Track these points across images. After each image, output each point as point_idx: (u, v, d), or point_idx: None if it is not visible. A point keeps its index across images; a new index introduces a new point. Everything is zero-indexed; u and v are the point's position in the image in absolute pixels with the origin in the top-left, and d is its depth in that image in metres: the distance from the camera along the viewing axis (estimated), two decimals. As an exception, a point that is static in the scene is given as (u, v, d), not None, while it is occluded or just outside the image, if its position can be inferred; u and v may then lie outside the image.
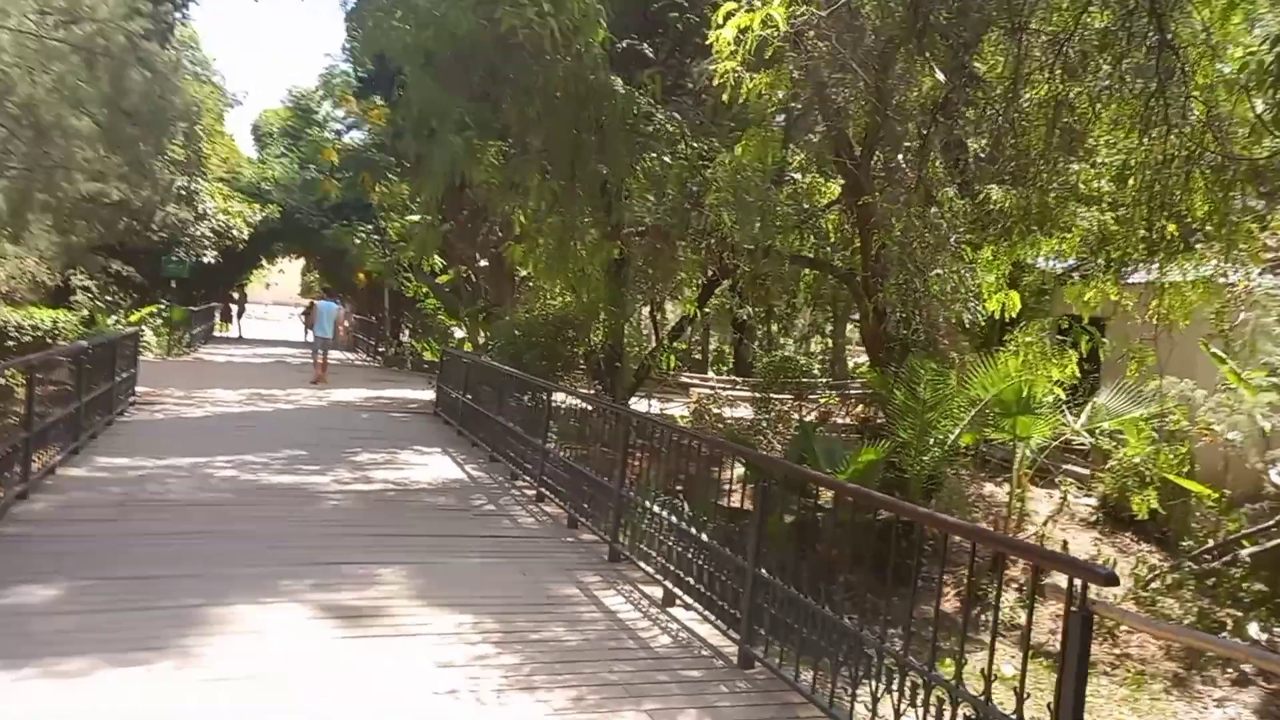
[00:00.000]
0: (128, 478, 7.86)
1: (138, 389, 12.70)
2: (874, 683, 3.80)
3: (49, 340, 12.53)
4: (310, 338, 20.64)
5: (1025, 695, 3.15)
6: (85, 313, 15.45)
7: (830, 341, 23.33)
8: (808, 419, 12.45)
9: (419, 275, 21.49)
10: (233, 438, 10.33)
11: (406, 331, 25.83)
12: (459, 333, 22.26)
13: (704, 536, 5.22)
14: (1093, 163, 8.77)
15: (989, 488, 11.47)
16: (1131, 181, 8.12)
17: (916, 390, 9.09)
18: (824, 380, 15.48)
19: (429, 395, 15.20)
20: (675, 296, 18.54)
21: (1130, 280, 9.15)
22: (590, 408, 7.76)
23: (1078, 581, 2.92)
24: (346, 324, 28.72)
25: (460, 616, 4.96)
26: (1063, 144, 8.75)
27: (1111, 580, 2.94)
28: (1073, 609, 2.85)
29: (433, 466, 9.56)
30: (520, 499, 8.26)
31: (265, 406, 13.66)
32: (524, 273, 20.18)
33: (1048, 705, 3.50)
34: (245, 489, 7.77)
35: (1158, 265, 7.96)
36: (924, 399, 9.08)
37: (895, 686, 3.65)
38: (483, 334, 19.02)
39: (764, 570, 4.56)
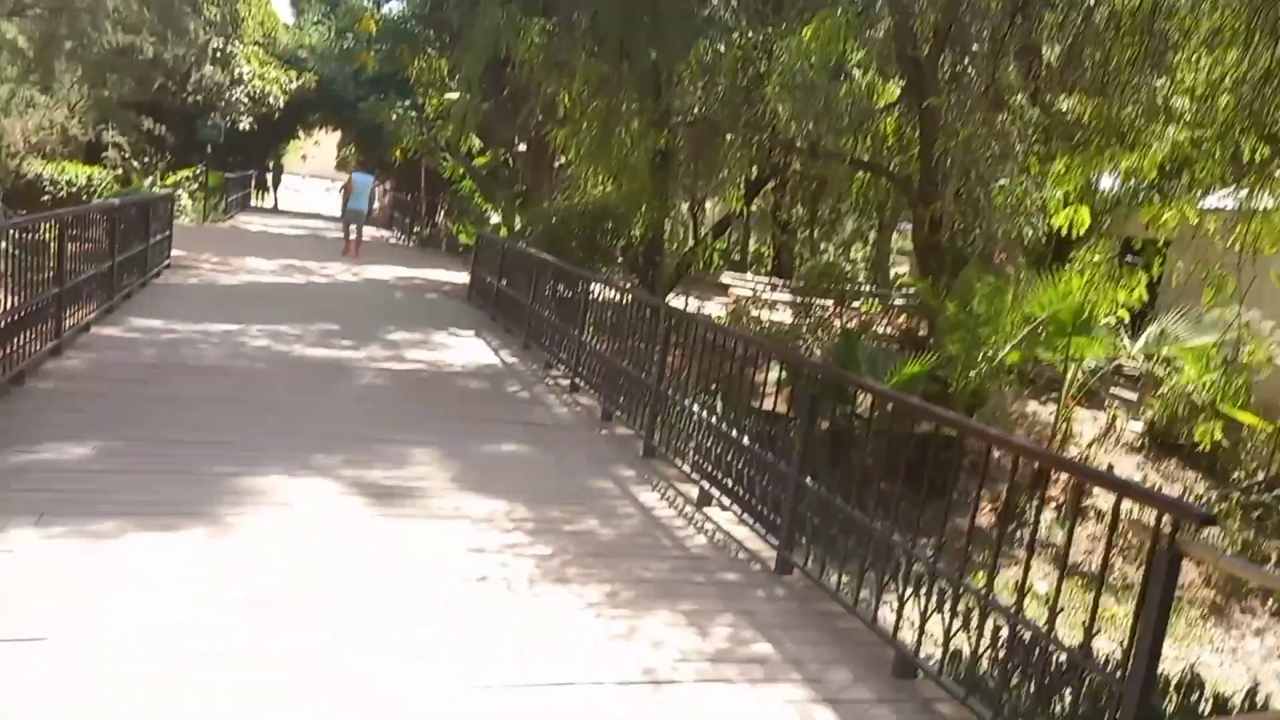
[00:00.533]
0: (161, 340, 7.79)
1: (173, 253, 12.61)
2: (903, 587, 3.68)
3: (84, 197, 12.36)
4: (341, 211, 20.65)
5: (1058, 609, 3.00)
6: (120, 171, 15.27)
7: (873, 249, 22.76)
8: (849, 327, 12.14)
9: (456, 155, 20.99)
10: (267, 307, 10.23)
11: (442, 212, 25.44)
12: (495, 217, 21.91)
13: (745, 440, 5.03)
14: (1178, 77, 8.15)
15: (1032, 406, 11.21)
16: (1225, 99, 7.54)
17: (969, 304, 8.74)
18: (868, 289, 15.06)
19: (463, 278, 15.00)
20: (719, 193, 18.00)
21: (1210, 203, 8.62)
22: (628, 301, 7.51)
23: (1166, 518, 2.69)
24: (383, 201, 28.41)
25: (493, 503, 4.85)
26: (1150, 55, 8.12)
27: (1209, 520, 2.71)
28: (1160, 547, 2.63)
29: (467, 350, 9.43)
30: (554, 388, 8.12)
31: (299, 279, 13.55)
32: (564, 160, 19.71)
33: (1082, 624, 3.35)
34: (278, 359, 7.68)
35: (1244, 189, 7.44)
36: (976, 313, 8.74)
37: (925, 593, 3.54)
38: (519, 220, 18.67)
39: (808, 478, 4.38)
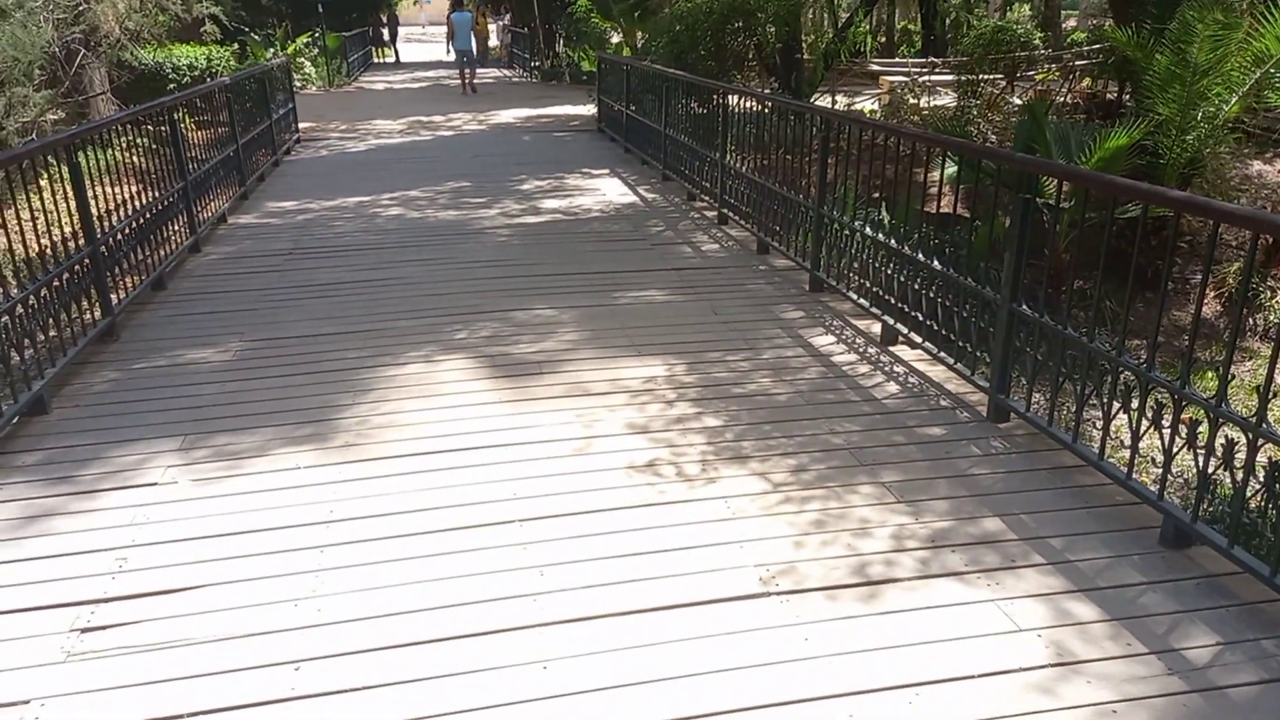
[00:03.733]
0: (295, 223, 7.58)
1: (301, 125, 12.42)
2: (1109, 402, 3.02)
3: (206, 79, 12.20)
4: (452, 54, 20.58)
5: None
6: (237, 47, 15.04)
7: (1040, 5, 19.90)
8: (1030, 101, 10.56)
9: (566, -27, 19.60)
10: (396, 172, 9.90)
11: (561, 41, 24.18)
12: (616, 37, 20.55)
13: (936, 263, 4.22)
14: None
15: (1256, 166, 9.54)
16: None
17: (1186, 52, 7.20)
18: (1044, 53, 13.09)
19: (591, 110, 14.17)
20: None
21: None
22: (770, 110, 6.58)
23: None
24: (502, 39, 27.33)
25: (648, 367, 4.35)
26: None
27: None
28: None
29: (602, 190, 8.79)
30: (700, 222, 7.42)
31: (426, 135, 13.13)
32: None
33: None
34: (412, 228, 7.33)
35: None
36: (1195, 63, 7.22)
37: (1137, 406, 2.89)
38: (641, 35, 17.34)
39: (1025, 305, 3.58)
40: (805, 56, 12.98)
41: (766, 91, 10.92)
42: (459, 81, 19.94)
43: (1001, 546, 2.88)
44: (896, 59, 19.69)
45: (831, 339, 4.73)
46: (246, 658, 2.43)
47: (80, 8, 7.81)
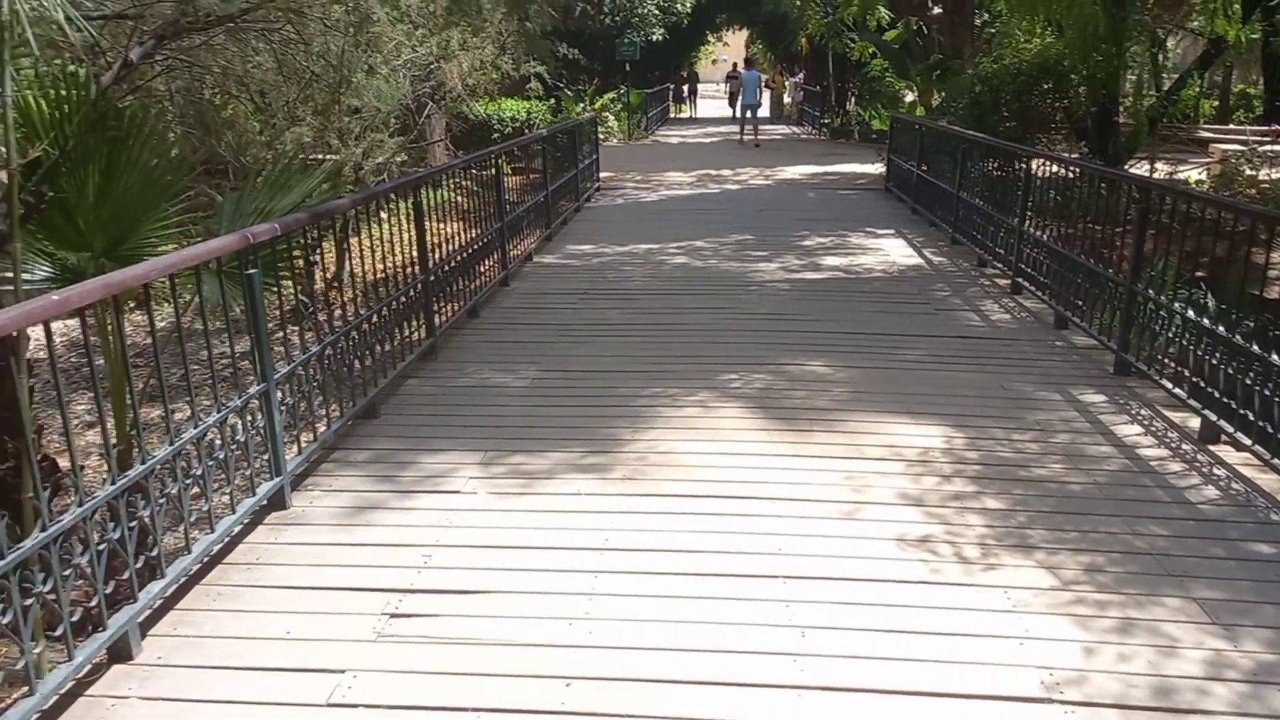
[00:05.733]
0: (591, 265, 8.13)
1: (601, 174, 13.34)
2: None
3: (524, 130, 13.47)
4: (736, 110, 21.86)
5: None
6: (553, 102, 16.51)
7: None
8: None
9: (864, 34, 19.62)
10: (684, 222, 10.34)
11: (852, 99, 24.18)
12: (910, 95, 20.23)
13: (1276, 356, 3.73)
14: None
15: None
16: None
17: None
18: None
19: (879, 169, 14.00)
20: (1188, 25, 14.56)
21: None
22: (1080, 176, 6.16)
23: None
24: (794, 96, 27.81)
25: (926, 437, 4.20)
26: None
27: None
28: None
29: (886, 250, 8.64)
30: (990, 290, 7.08)
31: (714, 188, 13.61)
32: (988, 15, 17.38)
33: None
34: (696, 277, 7.62)
35: None
36: None
37: None
38: (937, 95, 16.95)
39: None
40: (1122, 120, 12.03)
41: (1075, 156, 10.25)
42: (739, 135, 20.96)
43: (1347, 696, 2.47)
44: (1231, 125, 17.71)
45: (1138, 429, 4.31)
46: (524, 666, 2.62)
47: (431, 66, 8.95)
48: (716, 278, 7.59)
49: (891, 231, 9.59)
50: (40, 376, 6.81)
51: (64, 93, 3.73)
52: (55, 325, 3.70)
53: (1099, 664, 2.60)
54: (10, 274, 3.47)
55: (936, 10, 18.10)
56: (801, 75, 28.26)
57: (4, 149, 3.34)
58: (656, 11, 22.49)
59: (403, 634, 2.77)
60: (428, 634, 2.76)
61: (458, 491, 3.70)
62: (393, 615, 2.86)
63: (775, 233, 9.59)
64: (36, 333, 5.06)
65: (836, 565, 3.12)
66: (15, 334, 2.39)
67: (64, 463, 4.90)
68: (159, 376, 3.00)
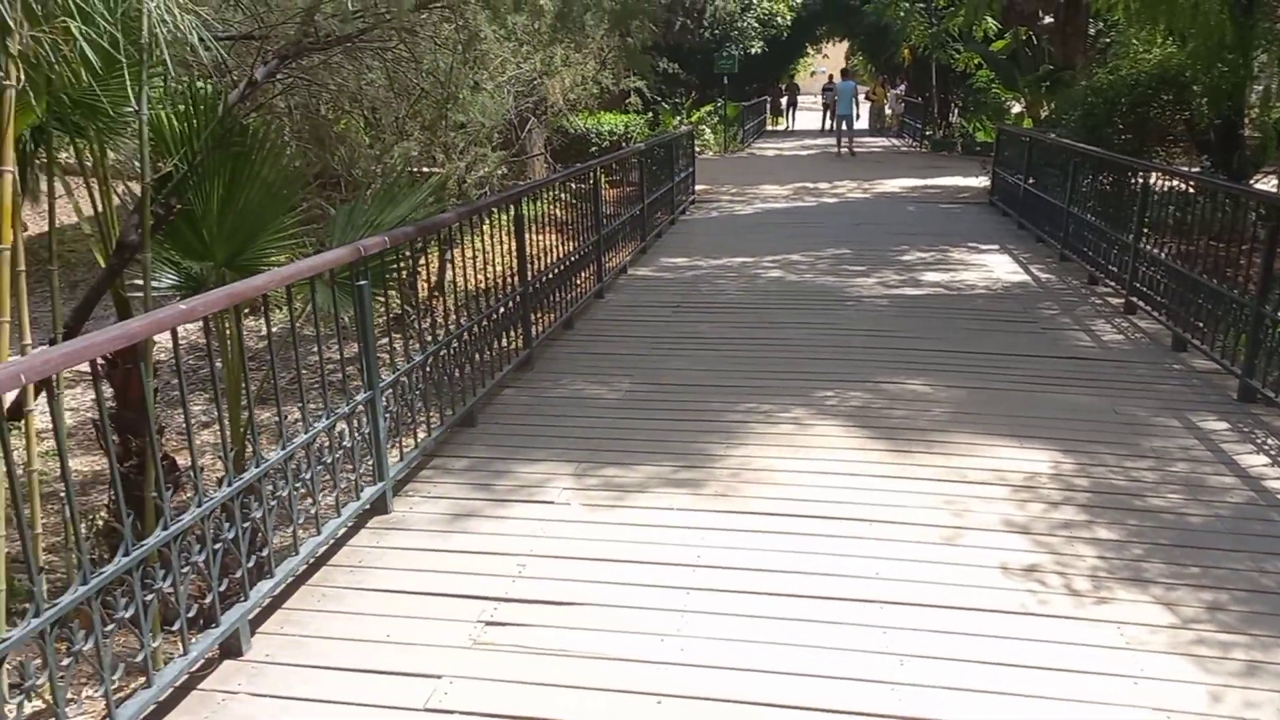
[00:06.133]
0: (685, 278, 8.14)
1: (697, 187, 13.36)
2: None
3: (623, 144, 13.60)
4: (829, 123, 22.10)
5: None
6: (650, 115, 16.63)
7: None
8: None
9: (969, 45, 19.12)
10: (779, 235, 10.26)
11: (955, 111, 23.61)
12: (1017, 107, 19.61)
13: None
14: None
15: None
16: None
17: None
18: None
19: (982, 182, 13.63)
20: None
21: None
22: (1200, 190, 5.85)
23: None
24: (894, 108, 27.36)
25: (1032, 462, 4.04)
26: None
27: None
28: None
29: (990, 266, 8.38)
30: (1102, 309, 6.78)
31: (810, 201, 13.46)
32: (1103, 24, 16.73)
33: None
34: (789, 291, 7.54)
35: None
36: None
37: None
38: (1046, 107, 16.38)
39: None
40: (1248, 133, 11.40)
41: (1196, 170, 9.76)
42: (837, 145, 20.87)
43: None
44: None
45: (1264, 460, 4.05)
46: (615, 681, 2.62)
47: (534, 82, 9.13)
48: (812, 292, 7.49)
49: (996, 247, 9.30)
50: (160, 378, 7.19)
51: (193, 110, 3.95)
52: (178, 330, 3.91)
53: (1222, 709, 2.45)
54: (141, 280, 3.68)
55: (1047, 20, 17.51)
56: (903, 87, 27.77)
57: (138, 163, 3.55)
58: (756, 25, 22.43)
59: (497, 642, 2.80)
60: (521, 644, 2.79)
61: (551, 502, 3.74)
62: (488, 623, 2.90)
63: (873, 247, 9.42)
64: (161, 336, 5.35)
65: (937, 592, 3.03)
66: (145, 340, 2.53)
67: (181, 460, 5.16)
68: (274, 381, 3.13)
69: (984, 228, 10.54)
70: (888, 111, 28.94)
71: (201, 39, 3.13)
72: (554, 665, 2.69)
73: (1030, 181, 10.12)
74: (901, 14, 20.79)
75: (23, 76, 2.62)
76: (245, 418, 3.65)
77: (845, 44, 35.33)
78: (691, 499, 3.75)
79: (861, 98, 30.83)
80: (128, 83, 3.09)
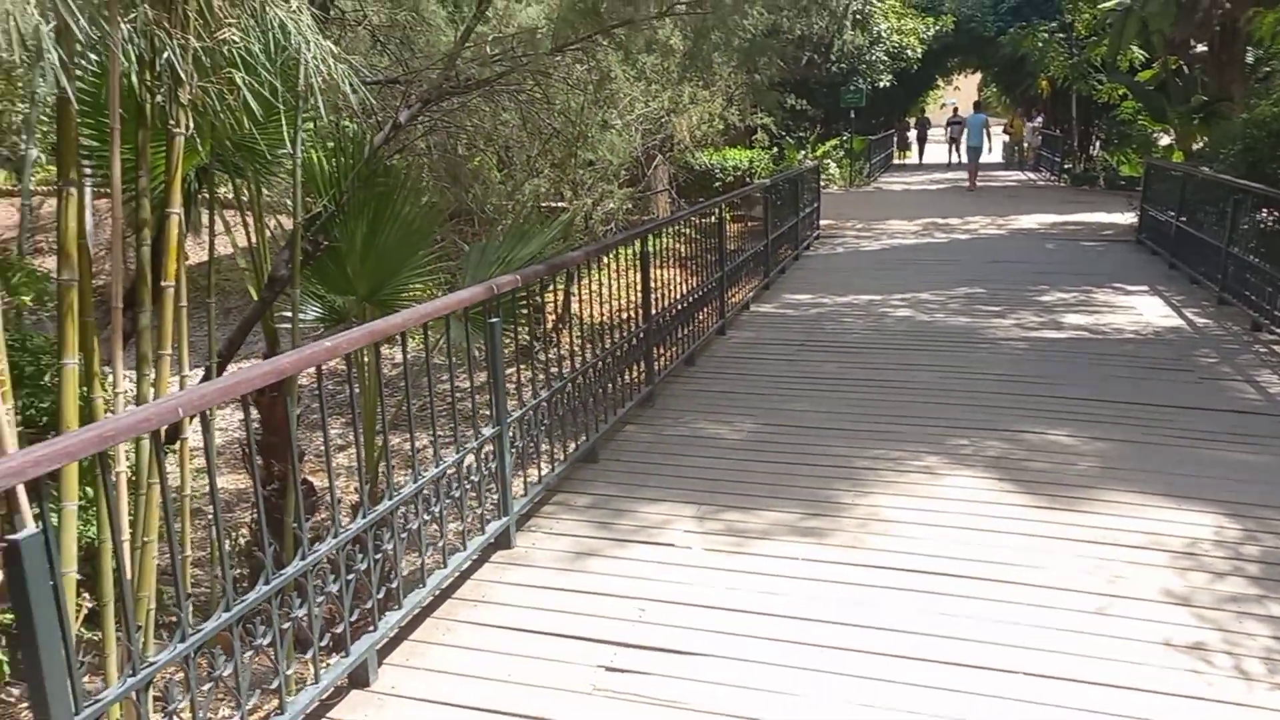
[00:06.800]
0: (808, 315, 8.00)
1: (821, 222, 13.17)
2: None
3: (747, 180, 13.58)
4: (955, 156, 21.78)
5: None
6: (775, 150, 16.55)
7: None
8: None
9: (1113, 75, 18.28)
10: (908, 272, 9.97)
11: (1097, 144, 22.55)
12: (1165, 140, 18.58)
13: None
14: None
15: None
16: None
17: None
18: None
19: (1128, 219, 12.92)
20: None
21: None
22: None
23: None
24: (1031, 141, 26.43)
25: (1193, 525, 3.73)
26: None
27: None
28: None
29: (1139, 310, 7.89)
30: (1268, 358, 6.26)
31: (940, 237, 13.06)
32: (1262, 52, 15.69)
33: None
34: (920, 331, 7.29)
35: None
36: None
37: None
38: (1200, 140, 15.44)
39: None
40: None
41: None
42: (970, 179, 20.37)
43: None
44: None
45: None
46: (737, 738, 2.53)
47: (662, 120, 9.23)
48: (944, 333, 7.22)
49: (1145, 288, 8.76)
50: (301, 401, 7.54)
51: (342, 151, 4.14)
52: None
53: None
54: (289, 312, 3.86)
55: (1200, 48, 16.55)
56: (1039, 119, 26.76)
57: (289, 200, 3.73)
58: (885, 58, 22.07)
59: (616, 689, 2.76)
60: (640, 693, 2.74)
61: (672, 545, 3.68)
62: (608, 669, 2.85)
63: (1009, 286, 9.03)
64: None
65: (1087, 666, 2.80)
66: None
67: (317, 480, 5.37)
68: (408, 414, 3.21)
69: (1131, 267, 9.96)
70: (1025, 144, 27.92)
71: (352, 85, 3.27)
72: (673, 718, 2.62)
73: (1183, 219, 9.52)
74: (1040, 45, 20.10)
75: (191, 124, 2.79)
76: (379, 444, 3.76)
77: (977, 76, 34.40)
78: (817, 548, 3.63)
79: (999, 130, 29.89)
80: (284, 127, 3.25)
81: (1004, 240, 12.62)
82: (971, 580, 3.35)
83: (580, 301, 6.38)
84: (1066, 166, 22.27)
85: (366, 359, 4.40)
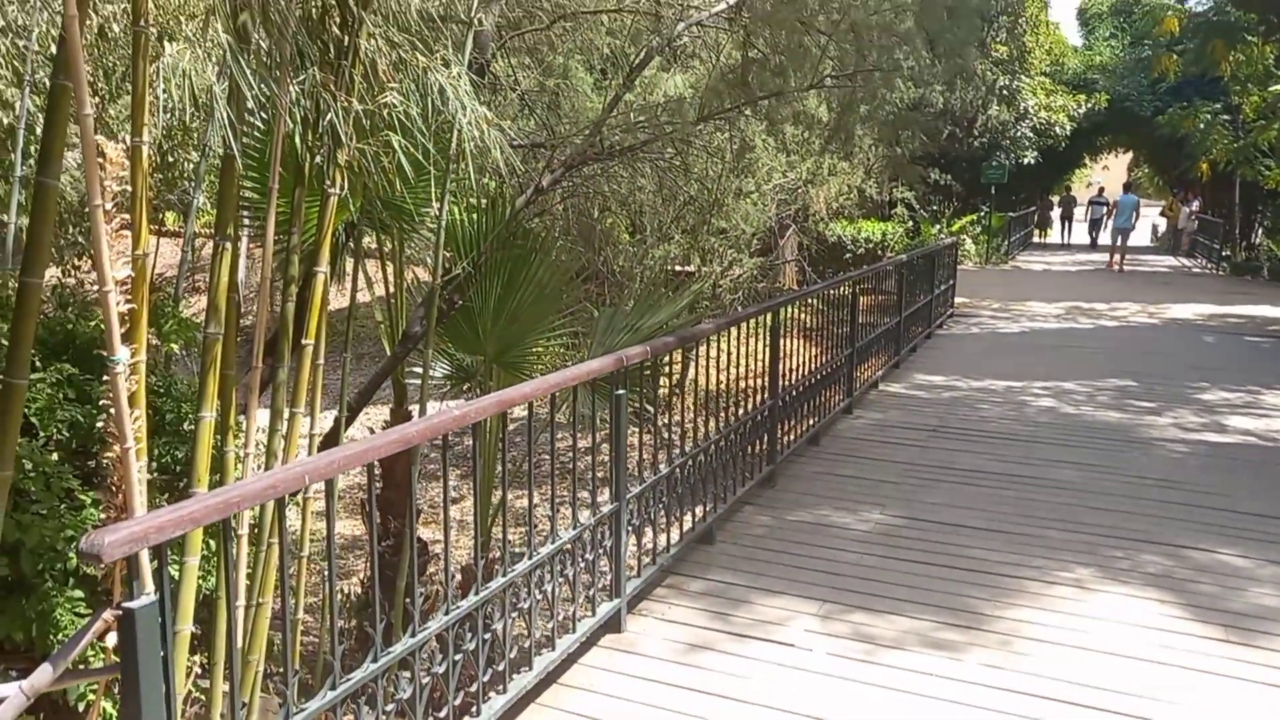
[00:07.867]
0: (941, 399, 7.61)
1: (956, 300, 12.69)
2: None
3: (879, 253, 13.28)
4: (1097, 236, 21.08)
5: None
6: (910, 223, 16.16)
7: None
8: None
9: (1283, 160, 17.13)
10: (1050, 359, 9.43)
11: (1259, 231, 21.11)
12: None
13: None
14: None
15: None
16: None
17: None
18: None
19: (1301, 314, 11.93)
20: None
21: None
22: None
23: None
24: (1186, 226, 25.03)
25: (1402, 682, 3.23)
26: None
27: None
28: None
29: (1317, 417, 7.17)
30: None
31: (1085, 323, 12.36)
32: None
33: None
34: (1064, 424, 6.80)
35: None
36: None
37: None
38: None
39: None
40: None
41: None
42: (1120, 261, 19.49)
43: None
44: None
45: None
46: None
47: (798, 190, 9.11)
48: (1091, 428, 6.72)
49: (1324, 393, 7.98)
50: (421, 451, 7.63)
51: (486, 211, 4.18)
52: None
53: None
54: (418, 367, 3.88)
55: (1386, 133, 15.33)
56: (1196, 203, 25.32)
57: (429, 257, 3.77)
58: (1030, 134, 21.40)
59: (728, 808, 2.54)
60: (754, 815, 2.51)
61: (793, 645, 3.44)
62: (720, 782, 2.64)
63: (1164, 381, 8.38)
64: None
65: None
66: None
67: (428, 533, 5.36)
68: (528, 477, 3.12)
69: (1305, 368, 9.12)
70: (1180, 228, 26.45)
71: (500, 149, 3.28)
72: None
73: (1369, 319, 8.68)
74: (1201, 126, 19.09)
75: (345, 184, 2.83)
76: (495, 499, 3.68)
77: (1128, 156, 32.99)
78: (954, 665, 3.31)
79: (1154, 212, 28.48)
80: (433, 189, 3.29)
81: (1157, 330, 11.83)
82: (1127, 718, 2.98)
83: (699, 368, 6.24)
84: (1226, 254, 20.93)
85: (490, 425, 4.38)
